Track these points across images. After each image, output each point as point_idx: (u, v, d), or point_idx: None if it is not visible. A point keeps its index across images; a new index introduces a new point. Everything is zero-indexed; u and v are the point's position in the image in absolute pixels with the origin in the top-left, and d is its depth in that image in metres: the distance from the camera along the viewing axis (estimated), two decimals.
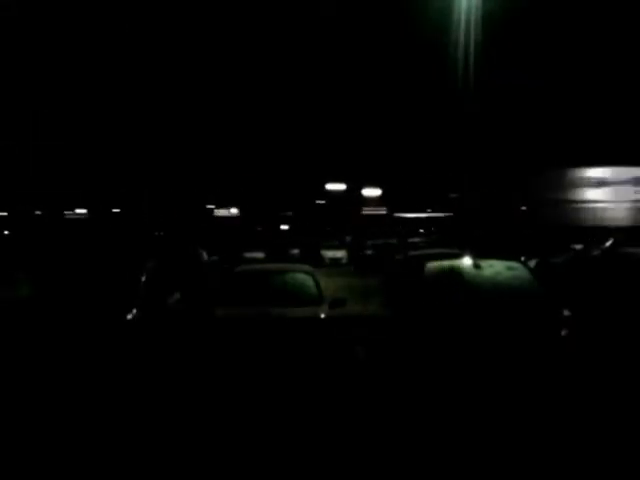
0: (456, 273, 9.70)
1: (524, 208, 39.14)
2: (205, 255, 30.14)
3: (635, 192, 38.93)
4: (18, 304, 9.78)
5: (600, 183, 37.41)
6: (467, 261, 9.98)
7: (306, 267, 11.30)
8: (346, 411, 7.37)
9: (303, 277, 10.52)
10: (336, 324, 9.49)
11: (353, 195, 60.21)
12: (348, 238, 48.80)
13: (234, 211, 70.38)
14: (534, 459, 5.86)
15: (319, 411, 7.38)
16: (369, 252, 37.52)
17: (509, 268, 9.76)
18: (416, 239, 34.97)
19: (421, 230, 52.66)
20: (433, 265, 10.15)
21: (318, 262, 36.62)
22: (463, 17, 25.08)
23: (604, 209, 37.00)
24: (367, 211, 61.50)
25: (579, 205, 37.60)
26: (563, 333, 8.70)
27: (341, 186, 60.55)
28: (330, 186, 60.28)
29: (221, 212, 70.25)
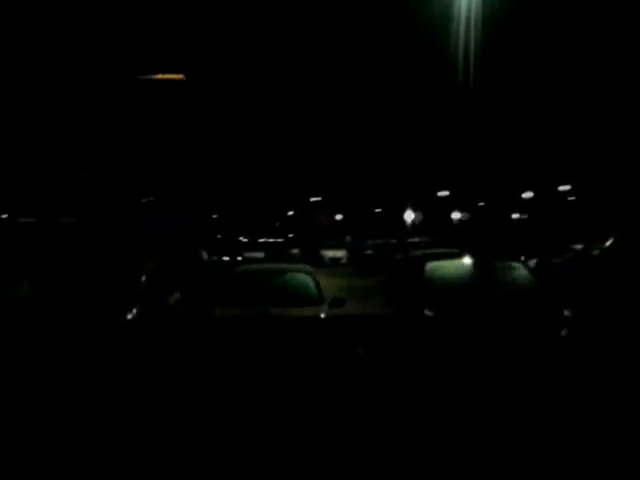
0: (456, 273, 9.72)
1: None
2: (205, 255, 30.14)
3: None
4: (18, 304, 9.78)
5: None
6: (467, 261, 9.99)
7: (306, 267, 11.30)
8: (346, 411, 7.37)
9: (303, 277, 10.52)
10: (336, 324, 9.49)
11: None
12: (348, 238, 48.80)
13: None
14: (534, 459, 5.86)
15: (319, 411, 7.38)
16: (369, 252, 37.56)
17: (509, 268, 9.77)
18: (416, 239, 34.96)
19: None
20: (433, 265, 10.16)
21: (318, 262, 36.66)
22: (463, 17, 25.09)
23: None
24: None
25: None
26: (563, 333, 8.71)
27: None
28: None
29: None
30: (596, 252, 17.20)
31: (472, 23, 25.18)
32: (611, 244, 16.33)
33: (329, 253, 42.28)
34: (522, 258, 18.22)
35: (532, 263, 18.48)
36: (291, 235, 60.00)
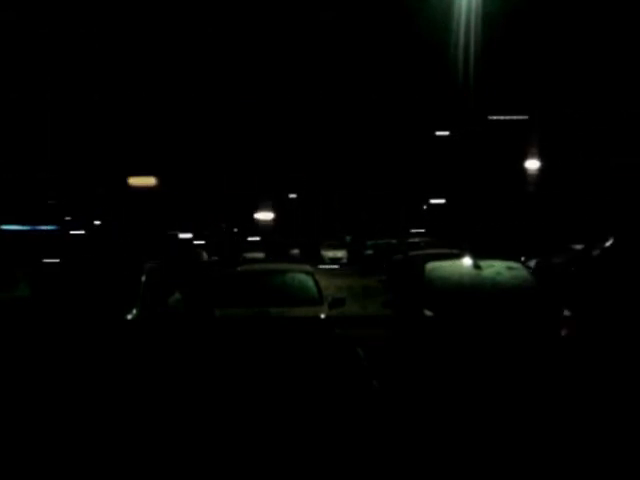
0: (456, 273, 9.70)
1: None
2: (205, 255, 30.14)
3: None
4: (18, 304, 9.79)
5: None
6: (467, 261, 9.98)
7: (306, 267, 11.31)
8: (346, 411, 7.37)
9: (303, 277, 10.52)
10: (336, 324, 9.50)
11: None
12: (348, 238, 48.87)
13: None
14: (533, 460, 5.86)
15: (319, 411, 7.38)
16: (369, 252, 37.57)
17: (509, 268, 9.76)
18: (416, 239, 35.00)
19: None
20: (433, 265, 10.15)
21: (318, 262, 36.72)
22: (463, 17, 25.10)
23: None
24: None
25: None
26: (563, 333, 8.70)
27: None
28: None
29: None
30: (596, 252, 17.18)
31: (472, 23, 25.19)
32: (611, 244, 16.32)
33: (329, 253, 42.30)
34: (522, 258, 18.23)
35: (532, 263, 18.47)
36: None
